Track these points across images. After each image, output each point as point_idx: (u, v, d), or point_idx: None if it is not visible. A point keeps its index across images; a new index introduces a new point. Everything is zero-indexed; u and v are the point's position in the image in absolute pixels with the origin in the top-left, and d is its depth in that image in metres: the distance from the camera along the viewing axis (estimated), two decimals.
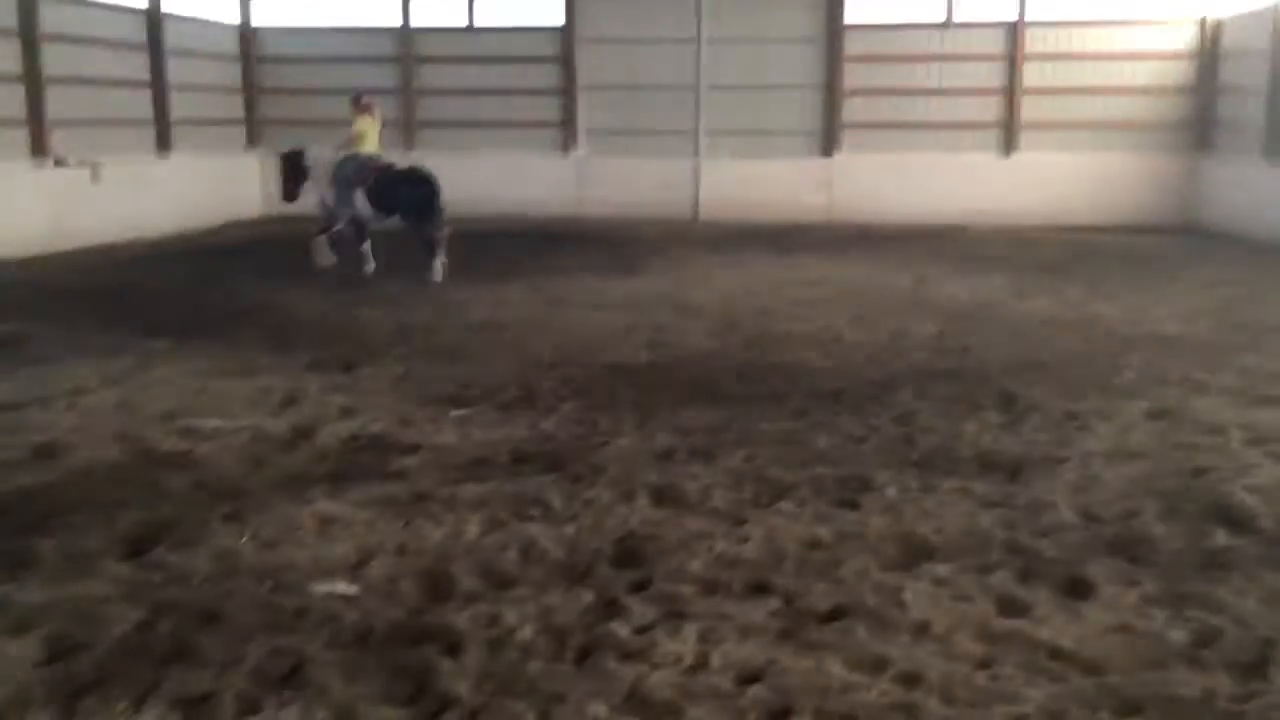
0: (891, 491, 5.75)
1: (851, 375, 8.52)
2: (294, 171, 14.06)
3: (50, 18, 16.46)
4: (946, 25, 20.63)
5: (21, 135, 15.98)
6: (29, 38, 16.02)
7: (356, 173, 13.53)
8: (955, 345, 9.63)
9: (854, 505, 5.56)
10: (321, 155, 13.93)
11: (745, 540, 5.06)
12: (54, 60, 16.43)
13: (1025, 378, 8.37)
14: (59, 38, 16.63)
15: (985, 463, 6.27)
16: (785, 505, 5.54)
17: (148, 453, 6.38)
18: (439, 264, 13.28)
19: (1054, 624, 4.21)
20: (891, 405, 7.57)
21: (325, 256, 13.98)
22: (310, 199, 14.12)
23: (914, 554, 4.94)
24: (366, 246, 13.78)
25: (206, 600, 4.35)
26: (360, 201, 13.50)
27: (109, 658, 3.91)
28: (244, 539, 5.01)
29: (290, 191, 14.21)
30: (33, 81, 16.05)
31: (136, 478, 5.90)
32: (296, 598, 4.39)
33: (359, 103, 14.22)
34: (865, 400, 7.72)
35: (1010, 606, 4.38)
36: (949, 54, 20.66)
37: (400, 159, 21.73)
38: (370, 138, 14.03)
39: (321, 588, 4.50)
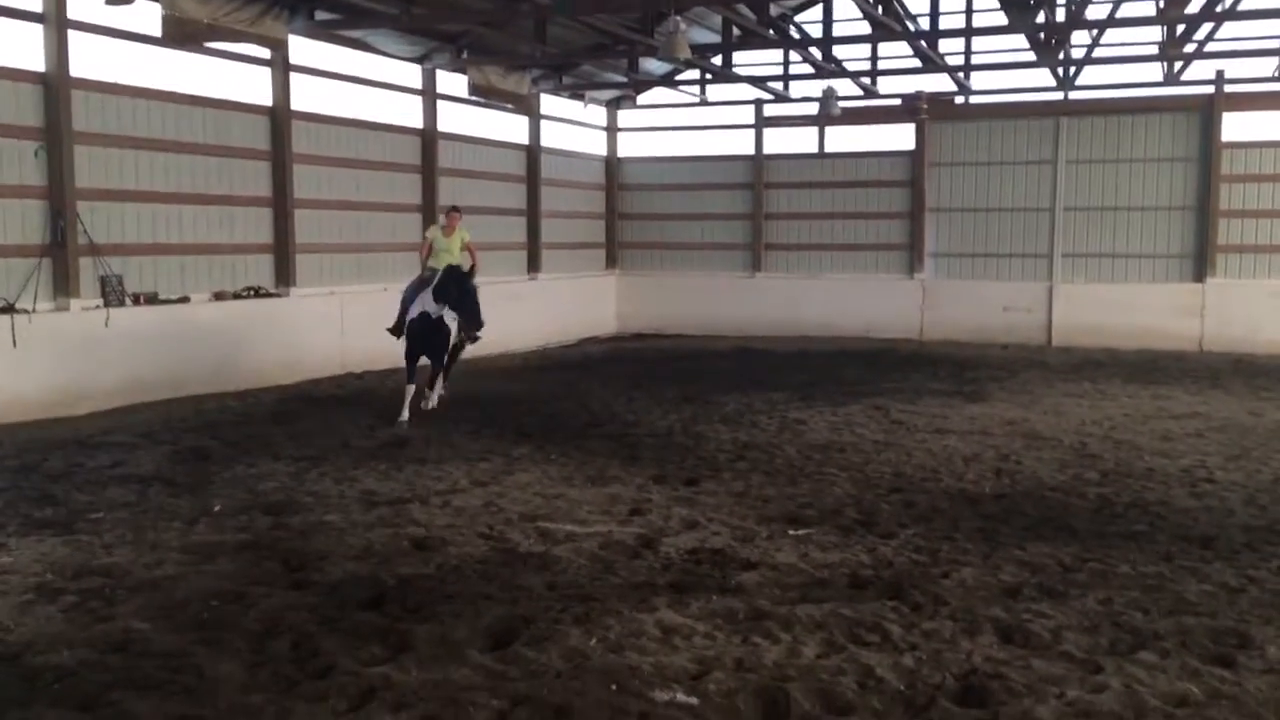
0: (1274, 651, 5.19)
1: (1226, 518, 7.81)
2: None
3: (447, 153, 18.58)
4: None
5: (416, 259, 17.87)
6: (428, 172, 18.13)
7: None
8: None
9: (1229, 663, 5.07)
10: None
11: (1101, 689, 4.73)
12: (448, 192, 18.43)
13: None
14: (453, 171, 18.70)
15: None
16: (1147, 655, 5.14)
17: (509, 552, 6.88)
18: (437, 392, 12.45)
19: None
20: (1274, 555, 6.86)
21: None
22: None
23: None
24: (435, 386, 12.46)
25: (559, 697, 4.61)
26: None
27: None
28: (593, 641, 5.27)
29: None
30: (428, 211, 18.07)
31: (499, 575, 6.37)
32: (640, 702, 4.56)
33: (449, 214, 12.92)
34: (1242, 548, 7.05)
35: None
36: None
37: (747, 279, 22.78)
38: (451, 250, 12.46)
39: (663, 695, 4.64)
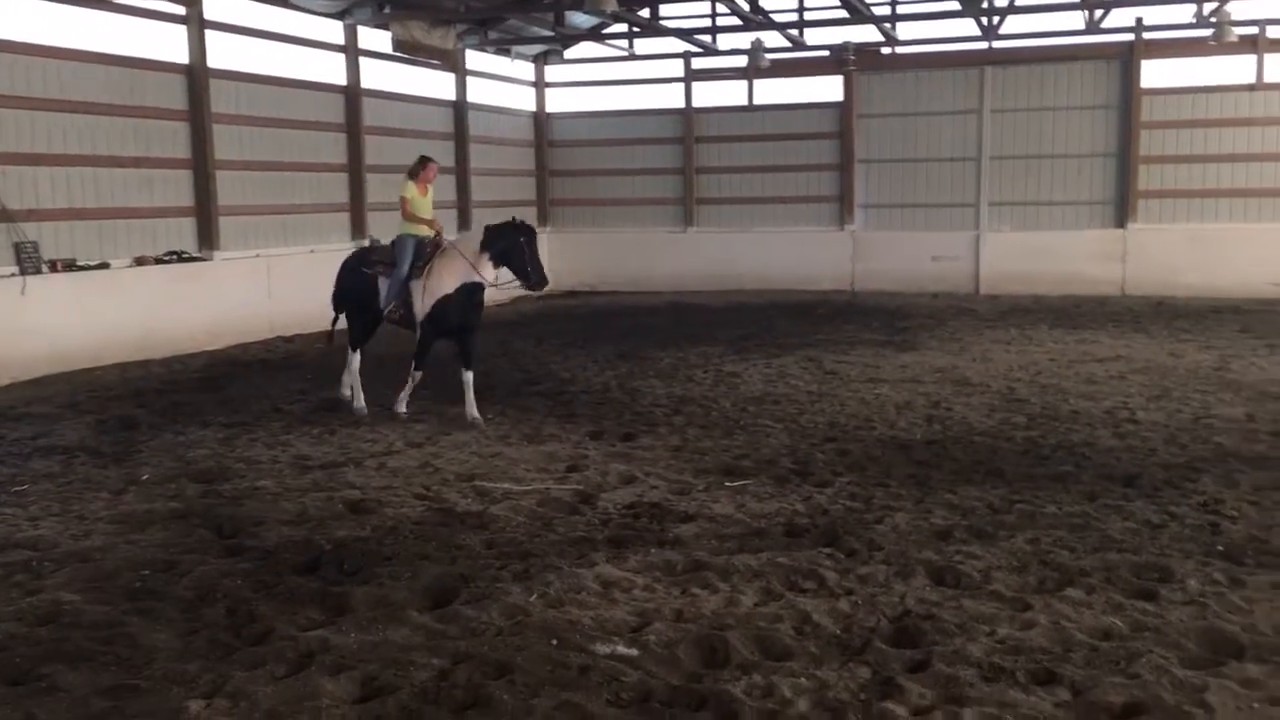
0: (1193, 583, 5.37)
1: (1148, 457, 8.03)
2: None
3: (372, 112, 18.22)
4: (1256, 87, 19.28)
5: (344, 219, 17.70)
6: (354, 131, 17.78)
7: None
8: (1268, 429, 8.89)
9: (1151, 596, 5.24)
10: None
11: (1030, 626, 4.86)
12: (373, 150, 18.12)
13: None
14: (377, 130, 18.37)
15: None
16: (1073, 592, 5.29)
17: (446, 512, 6.86)
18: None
19: None
20: (1193, 491, 7.08)
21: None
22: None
23: (1220, 651, 4.60)
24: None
25: (500, 654, 4.62)
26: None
27: (413, 701, 4.23)
28: (532, 597, 5.29)
29: None
30: (355, 170, 17.77)
31: (437, 535, 6.35)
32: (581, 656, 4.59)
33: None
34: (1163, 485, 7.26)
35: None
36: (1259, 118, 19.28)
37: (679, 234, 22.80)
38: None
39: (604, 648, 4.68)
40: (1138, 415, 9.52)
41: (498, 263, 9.74)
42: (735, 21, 20.25)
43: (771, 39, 20.85)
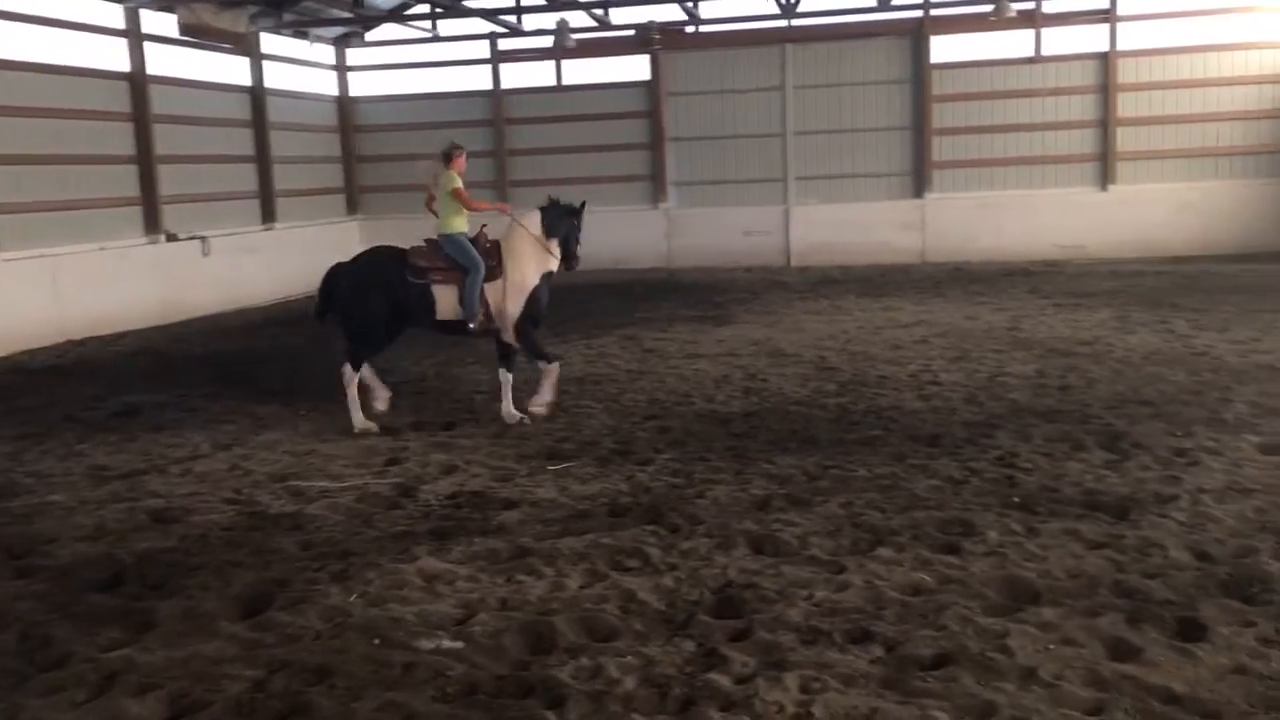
0: (994, 534, 5.66)
1: (949, 417, 8.42)
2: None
3: (160, 100, 17.31)
4: (1035, 60, 20.41)
5: (136, 213, 16.76)
6: (141, 120, 16.84)
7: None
8: (1056, 384, 9.46)
9: (955, 550, 5.49)
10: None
11: (845, 588, 5.03)
12: (164, 140, 17.23)
13: (1130, 415, 8.19)
14: (168, 118, 17.46)
15: (1091, 503, 6.14)
16: (884, 551, 5.50)
17: (259, 515, 6.60)
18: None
19: (1166, 668, 4.10)
20: (991, 447, 7.46)
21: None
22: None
23: (1019, 598, 4.86)
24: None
25: (319, 658, 4.48)
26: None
27: (226, 716, 4.05)
28: (352, 597, 5.14)
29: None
30: (145, 162, 16.85)
31: (249, 540, 6.10)
32: (404, 653, 4.49)
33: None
34: (964, 442, 7.62)
35: (1120, 650, 4.28)
36: (1039, 89, 20.43)
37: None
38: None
39: (428, 644, 4.59)
40: (940, 377, 9.97)
41: (562, 240, 9.25)
42: (540, 1, 20.13)
43: (577, 19, 20.82)
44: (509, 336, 9.05)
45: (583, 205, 9.52)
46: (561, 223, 9.24)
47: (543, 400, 9.04)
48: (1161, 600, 4.71)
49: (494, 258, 8.97)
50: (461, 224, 9.07)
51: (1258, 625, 4.42)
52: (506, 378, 9.09)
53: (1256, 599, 4.71)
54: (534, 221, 9.19)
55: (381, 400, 9.23)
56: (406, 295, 8.85)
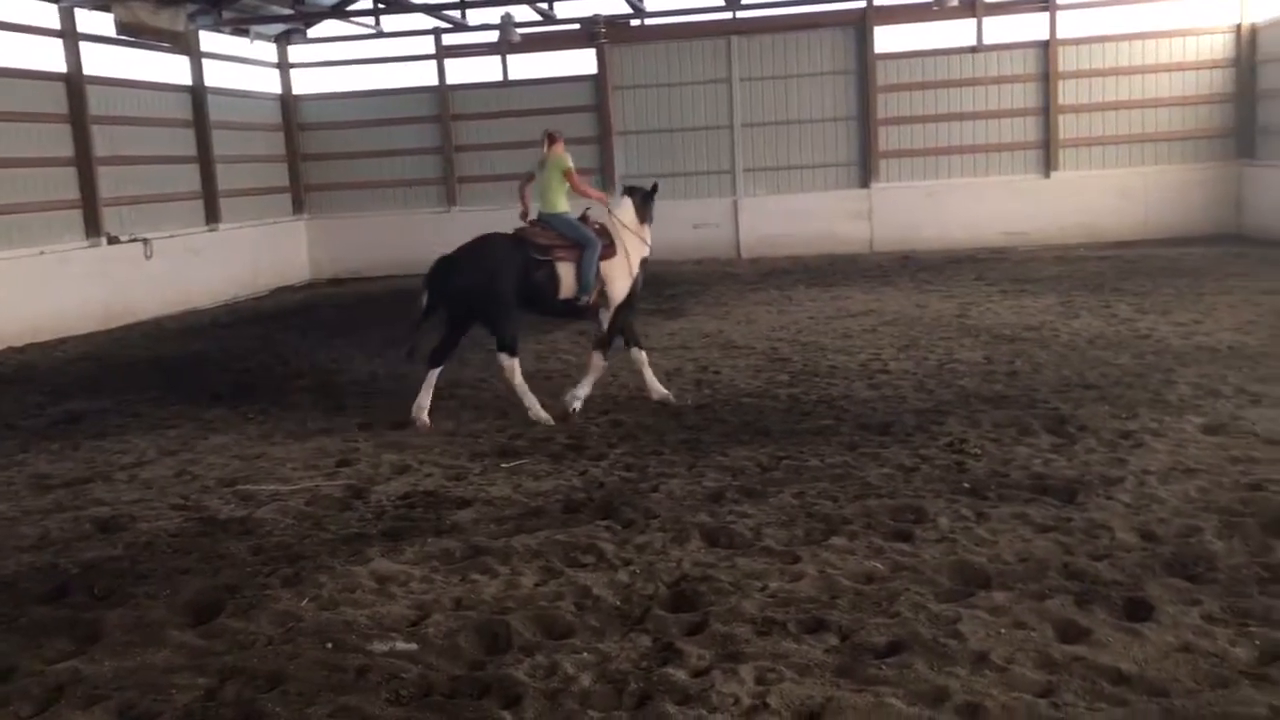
0: (944, 521, 5.72)
1: (899, 405, 8.49)
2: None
3: (98, 100, 16.99)
4: (977, 49, 20.62)
5: (76, 216, 16.44)
6: (79, 121, 16.52)
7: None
8: (1003, 369, 9.57)
9: (907, 537, 5.54)
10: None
11: (799, 578, 5.05)
12: (104, 141, 16.93)
13: (1076, 398, 8.31)
14: (107, 119, 17.16)
15: (1039, 487, 6.22)
16: (838, 540, 5.53)
17: (208, 521, 6.51)
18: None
19: (1115, 648, 4.16)
20: (941, 434, 7.53)
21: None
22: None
23: (970, 583, 4.91)
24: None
25: (270, 664, 4.42)
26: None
27: None
28: (304, 602, 5.09)
29: None
30: (84, 163, 16.53)
31: (198, 546, 6.01)
32: (358, 657, 4.45)
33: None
34: (914, 430, 7.69)
35: (1070, 632, 4.34)
36: (982, 78, 20.64)
37: (443, 214, 22.42)
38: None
39: (381, 646, 4.55)
40: (889, 365, 10.05)
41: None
42: None
43: (522, 13, 20.71)
44: (606, 317, 9.14)
45: (654, 188, 9.59)
46: (651, 211, 9.42)
47: (581, 393, 8.96)
48: (1109, 581, 4.79)
49: (605, 237, 9.07)
50: (566, 203, 9.17)
51: (1203, 603, 4.50)
52: (640, 356, 9.15)
53: (1201, 577, 4.79)
54: (629, 208, 9.35)
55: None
56: (536, 275, 8.77)
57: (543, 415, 8.65)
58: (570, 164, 9.12)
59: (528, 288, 8.76)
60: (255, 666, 4.41)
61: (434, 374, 8.94)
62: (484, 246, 8.88)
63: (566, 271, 8.86)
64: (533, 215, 9.25)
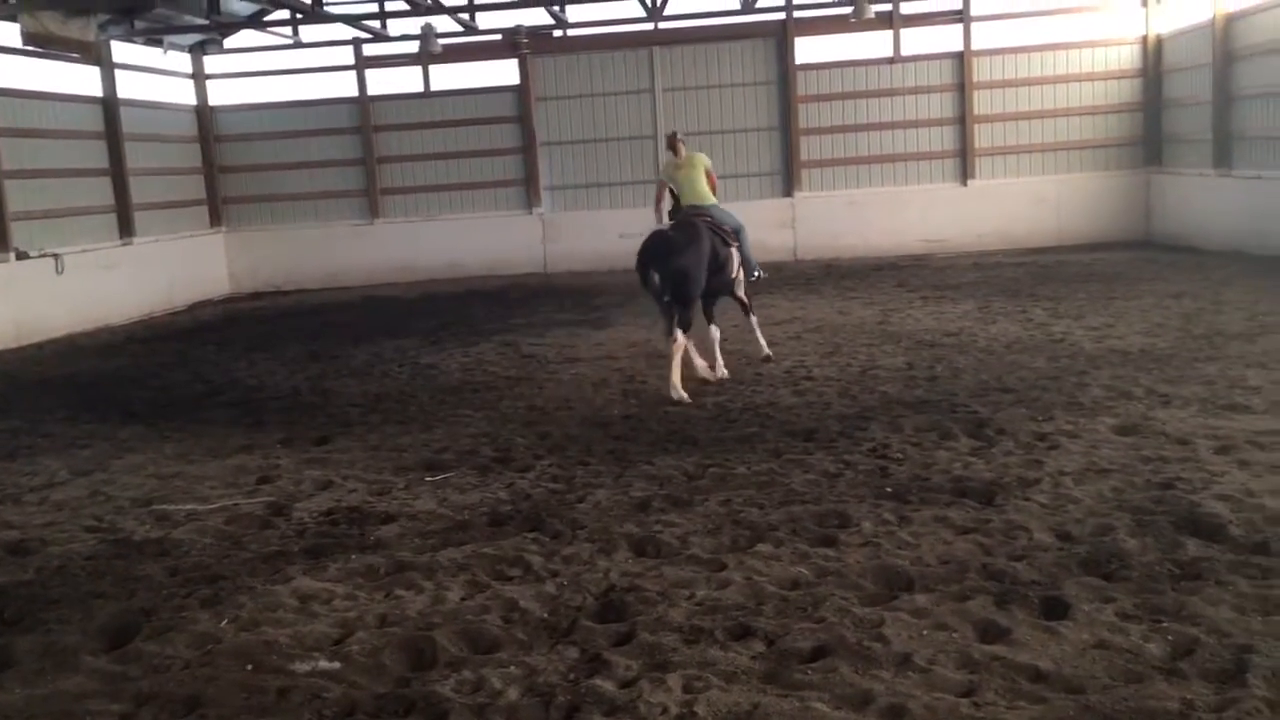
0: (868, 525, 5.79)
1: (824, 411, 8.58)
2: None
3: (4, 112, 16.52)
4: (895, 60, 20.96)
5: None
6: None
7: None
8: (924, 375, 9.72)
9: (832, 542, 5.59)
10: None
11: (726, 585, 5.07)
12: (11, 154, 16.46)
13: (994, 402, 8.47)
14: (15, 131, 16.69)
15: (959, 490, 6.33)
16: (764, 547, 5.57)
17: (122, 542, 6.35)
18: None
19: (1033, 646, 4.24)
20: (864, 439, 7.63)
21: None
22: None
23: (893, 586, 4.97)
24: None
25: (188, 688, 4.32)
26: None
27: None
28: (223, 623, 4.98)
29: None
30: None
31: (112, 569, 5.86)
32: (279, 678, 4.37)
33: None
34: (838, 436, 7.77)
35: (990, 632, 4.42)
36: (900, 88, 20.99)
37: (365, 226, 22.18)
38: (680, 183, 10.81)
39: (304, 666, 4.47)
40: (814, 372, 10.15)
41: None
42: (404, 6, 19.83)
43: (443, 24, 20.59)
44: (741, 292, 10.79)
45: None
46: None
47: (763, 340, 10.93)
48: (1027, 581, 4.88)
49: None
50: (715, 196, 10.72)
51: (1117, 600, 4.61)
52: (753, 320, 11.02)
53: (1115, 575, 4.91)
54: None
55: (718, 368, 10.23)
56: (723, 259, 10.10)
57: (681, 393, 9.30)
58: (710, 163, 10.89)
59: (713, 268, 9.92)
60: (172, 690, 4.30)
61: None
62: (696, 230, 9.86)
63: (734, 256, 10.33)
64: (664, 217, 10.69)
